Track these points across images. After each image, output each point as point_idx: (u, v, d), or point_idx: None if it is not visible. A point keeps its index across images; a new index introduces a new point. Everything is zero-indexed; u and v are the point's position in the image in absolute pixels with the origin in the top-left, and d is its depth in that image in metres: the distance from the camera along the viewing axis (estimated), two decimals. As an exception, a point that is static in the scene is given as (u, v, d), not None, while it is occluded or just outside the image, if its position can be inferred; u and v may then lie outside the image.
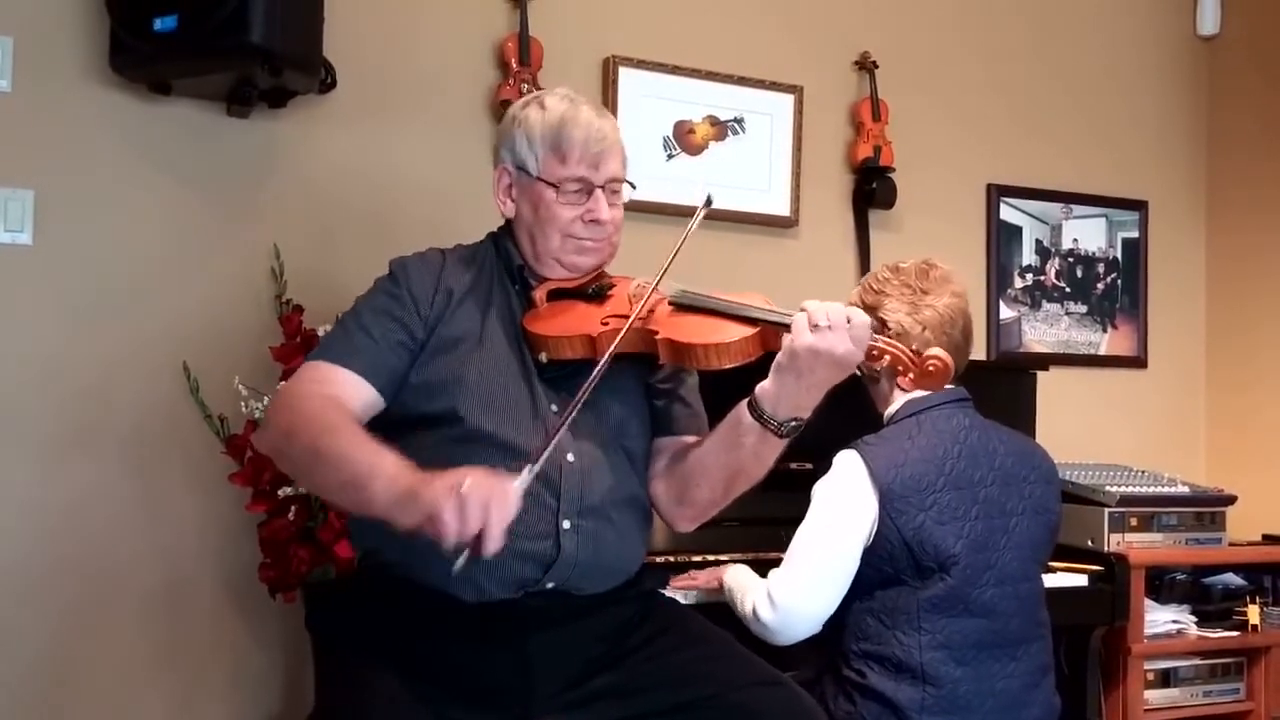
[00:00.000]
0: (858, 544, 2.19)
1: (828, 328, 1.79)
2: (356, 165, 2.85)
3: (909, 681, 2.16)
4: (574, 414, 1.79)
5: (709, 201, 1.97)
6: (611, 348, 1.86)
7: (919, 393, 2.29)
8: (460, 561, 1.62)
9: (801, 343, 1.80)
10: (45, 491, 2.55)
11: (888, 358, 1.85)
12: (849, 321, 1.80)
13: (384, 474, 1.70)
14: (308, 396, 1.88)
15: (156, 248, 2.67)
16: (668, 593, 2.42)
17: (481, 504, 1.59)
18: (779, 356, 1.84)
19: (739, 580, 2.33)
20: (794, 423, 1.87)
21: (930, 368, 1.83)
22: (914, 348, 1.87)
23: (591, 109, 2.03)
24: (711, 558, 2.56)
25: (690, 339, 1.88)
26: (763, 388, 1.87)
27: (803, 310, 1.82)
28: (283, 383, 2.33)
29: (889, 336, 2.08)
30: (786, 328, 1.83)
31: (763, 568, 2.47)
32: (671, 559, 2.55)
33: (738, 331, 1.87)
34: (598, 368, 1.82)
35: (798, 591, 2.19)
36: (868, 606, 2.22)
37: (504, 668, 1.85)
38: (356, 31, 2.81)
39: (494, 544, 1.61)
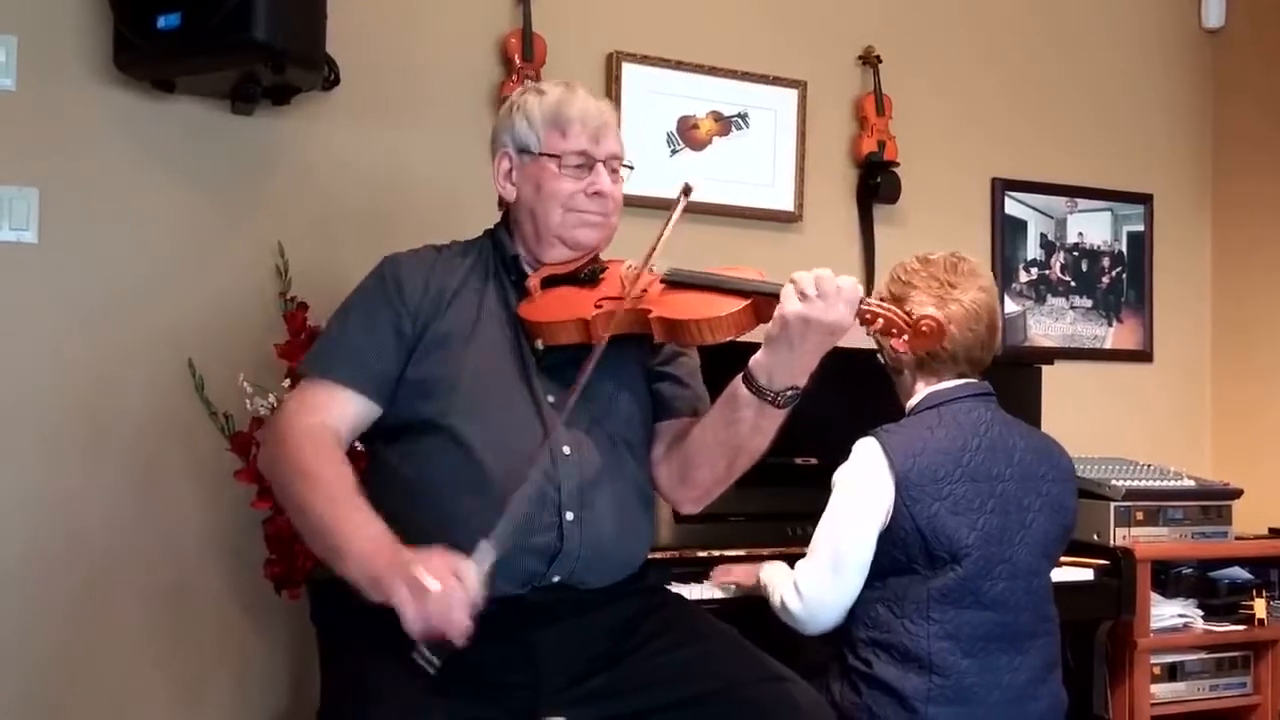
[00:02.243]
0: (875, 530, 2.20)
1: (817, 296, 1.79)
2: (360, 162, 2.85)
3: (915, 671, 2.16)
4: (570, 411, 1.83)
5: (687, 190, 1.97)
6: (606, 333, 1.86)
7: (941, 385, 2.30)
8: (427, 658, 1.68)
9: (791, 311, 1.80)
10: (50, 489, 2.55)
11: (881, 320, 1.84)
12: (838, 288, 1.80)
13: (353, 554, 1.76)
14: (292, 430, 1.92)
15: (161, 245, 2.67)
16: (706, 586, 2.43)
17: (442, 613, 1.65)
18: (770, 327, 1.84)
19: (771, 575, 2.35)
20: (790, 392, 1.87)
21: (924, 328, 1.83)
22: (906, 309, 1.86)
23: (587, 92, 2.08)
24: (717, 553, 2.56)
25: (683, 315, 1.88)
26: (756, 359, 1.87)
27: (792, 280, 1.82)
28: (285, 397, 2.34)
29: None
30: (779, 298, 1.83)
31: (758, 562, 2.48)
32: (678, 554, 2.55)
33: (730, 305, 1.87)
34: (592, 359, 1.82)
35: (822, 580, 2.21)
36: (878, 595, 2.22)
37: (510, 664, 1.86)
38: (360, 28, 2.81)
39: (459, 642, 1.67)
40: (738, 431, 1.92)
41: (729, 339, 1.88)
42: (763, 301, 1.86)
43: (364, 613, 1.94)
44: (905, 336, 1.84)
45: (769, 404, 1.87)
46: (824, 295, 1.79)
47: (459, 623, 1.65)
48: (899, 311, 1.84)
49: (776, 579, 2.31)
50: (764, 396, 1.86)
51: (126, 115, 2.64)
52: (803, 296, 1.79)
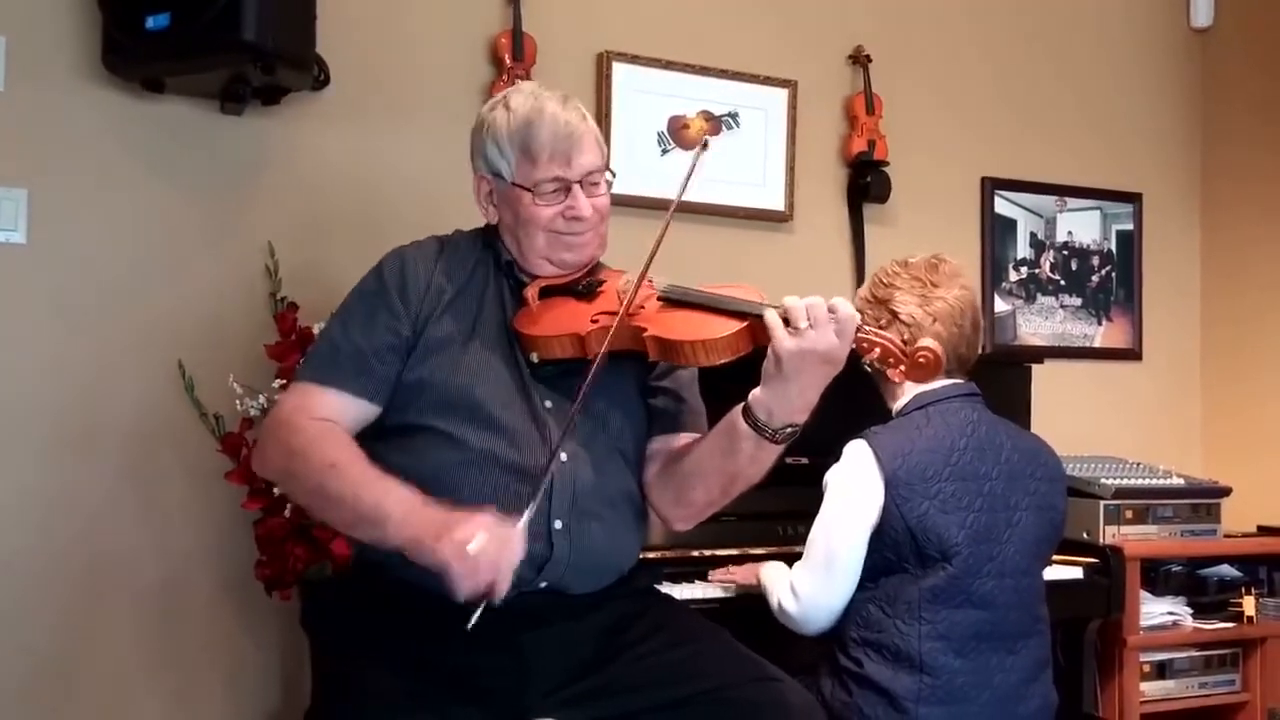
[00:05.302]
0: (866, 530, 2.21)
1: (809, 327, 1.76)
2: (350, 162, 2.84)
3: (907, 670, 2.17)
4: (571, 424, 1.82)
5: (705, 145, 1.92)
6: (603, 349, 1.84)
7: (929, 385, 2.30)
8: (475, 615, 1.69)
9: (784, 347, 1.77)
10: (40, 490, 2.55)
11: (878, 350, 1.83)
12: (833, 314, 1.77)
13: (391, 519, 1.75)
14: (300, 429, 1.88)
15: (151, 246, 2.66)
16: (698, 585, 2.44)
17: (490, 564, 1.67)
18: (766, 364, 1.81)
19: (770, 576, 2.36)
20: (789, 429, 1.85)
21: (920, 359, 1.82)
22: (904, 338, 1.86)
23: (557, 102, 1.98)
24: (709, 553, 2.57)
25: (678, 335, 1.86)
26: (756, 395, 1.85)
27: (777, 309, 1.78)
28: (277, 398, 2.34)
29: (898, 326, 2.10)
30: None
31: (758, 562, 2.48)
32: (668, 554, 2.55)
33: (726, 327, 1.84)
34: (590, 374, 1.81)
35: (816, 582, 2.23)
36: (869, 595, 2.23)
37: (499, 667, 1.85)
38: (349, 28, 2.81)
39: (503, 592, 1.68)
40: (736, 462, 1.91)
41: (725, 362, 1.85)
42: (759, 324, 1.82)
43: (355, 615, 1.95)
44: (902, 367, 1.83)
45: (767, 440, 1.86)
46: (816, 324, 1.76)
47: (501, 584, 1.68)
48: (896, 342, 1.84)
49: (774, 581, 2.33)
50: (762, 433, 1.85)
51: (115, 116, 2.63)
52: (795, 330, 1.76)
